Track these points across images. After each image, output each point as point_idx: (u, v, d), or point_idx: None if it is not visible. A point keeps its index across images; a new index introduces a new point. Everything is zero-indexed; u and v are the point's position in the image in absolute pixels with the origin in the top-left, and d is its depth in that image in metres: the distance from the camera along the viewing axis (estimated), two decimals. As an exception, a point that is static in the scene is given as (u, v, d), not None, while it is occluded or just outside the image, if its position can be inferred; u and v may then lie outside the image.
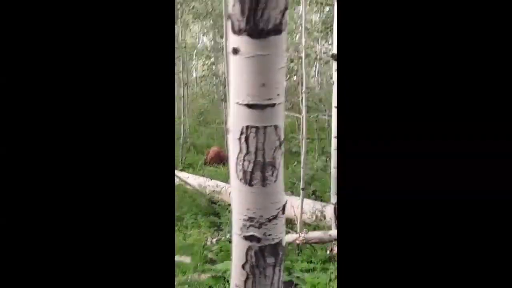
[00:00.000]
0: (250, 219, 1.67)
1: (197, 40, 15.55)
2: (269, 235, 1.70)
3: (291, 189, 8.45)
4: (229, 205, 8.61)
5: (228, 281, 5.87)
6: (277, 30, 1.53)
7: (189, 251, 6.77)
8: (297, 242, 6.63)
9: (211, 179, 9.35)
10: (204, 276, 6.11)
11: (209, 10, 11.69)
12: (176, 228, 7.72)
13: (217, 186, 9.04)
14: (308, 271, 6.16)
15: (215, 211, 8.55)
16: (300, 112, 6.90)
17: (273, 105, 1.59)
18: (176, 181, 9.58)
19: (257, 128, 1.59)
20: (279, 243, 1.72)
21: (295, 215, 7.09)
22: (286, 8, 1.54)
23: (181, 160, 11.67)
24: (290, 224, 7.65)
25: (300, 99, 6.88)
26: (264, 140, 1.62)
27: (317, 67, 13.45)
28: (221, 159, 10.83)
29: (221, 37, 10.74)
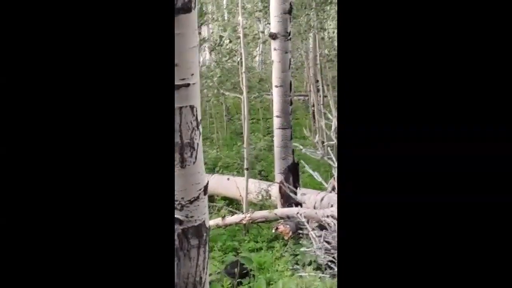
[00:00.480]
0: (171, 201, 1.64)
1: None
2: (191, 216, 1.68)
3: (237, 169, 8.47)
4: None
5: (175, 264, 5.86)
6: (186, 8, 1.50)
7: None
8: (243, 222, 6.66)
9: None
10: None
11: None
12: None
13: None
14: (254, 250, 6.21)
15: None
16: (241, 93, 6.88)
17: (187, 85, 1.56)
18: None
19: (172, 109, 1.56)
20: (202, 225, 1.71)
21: (240, 195, 7.11)
22: (194, -14, 1.51)
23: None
24: (236, 204, 7.67)
25: (240, 79, 6.84)
26: (180, 121, 1.59)
27: (261, 47, 13.45)
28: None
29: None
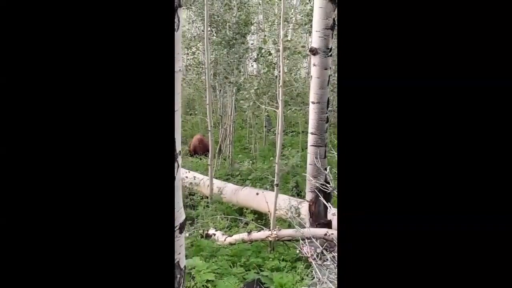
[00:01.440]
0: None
1: (183, 28, 15.38)
2: (163, 256, 1.54)
3: (270, 183, 8.33)
4: (207, 197, 8.50)
5: (194, 277, 5.76)
6: (167, 30, 1.36)
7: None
8: (269, 239, 6.50)
9: (189, 171, 9.21)
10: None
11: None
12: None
13: (194, 178, 8.90)
14: (278, 269, 6.04)
15: (192, 204, 8.43)
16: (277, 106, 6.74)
17: (165, 113, 1.42)
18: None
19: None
20: (175, 265, 1.56)
21: (269, 211, 6.96)
22: (178, 6, 1.37)
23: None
24: (265, 219, 7.53)
25: (277, 92, 6.70)
26: (157, 153, 1.45)
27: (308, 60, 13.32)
28: (204, 147, 10.68)
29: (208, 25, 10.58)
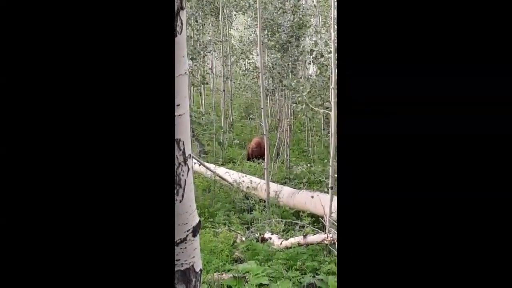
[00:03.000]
0: (156, 242, 1.51)
1: (240, 33, 15.53)
2: (178, 260, 1.53)
3: (324, 186, 8.26)
4: (264, 201, 8.51)
5: (248, 281, 5.76)
6: (170, 33, 1.36)
7: (217, 249, 6.69)
8: (325, 242, 6.43)
9: (245, 175, 9.24)
10: (226, 276, 6.01)
11: (251, 3, 11.55)
12: (208, 224, 7.67)
13: (251, 182, 8.92)
14: (333, 273, 5.95)
15: (249, 208, 8.45)
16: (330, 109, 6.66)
17: (173, 117, 1.42)
18: (212, 176, 9.54)
19: (156, 142, 1.43)
20: (190, 269, 1.55)
21: (324, 214, 6.88)
22: (180, 9, 1.37)
23: (222, 155, 11.63)
24: (320, 223, 7.45)
25: (330, 94, 6.62)
26: (164, 156, 1.45)
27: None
28: (261, 150, 10.70)
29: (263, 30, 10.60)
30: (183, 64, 1.43)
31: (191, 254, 1.55)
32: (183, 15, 1.40)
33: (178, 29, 1.39)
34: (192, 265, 1.56)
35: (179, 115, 1.44)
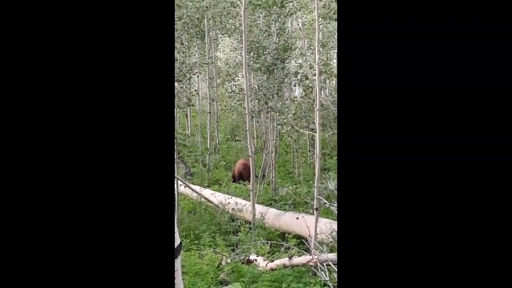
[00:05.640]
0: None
1: (226, 55, 15.64)
2: (159, 280, 1.54)
3: (309, 208, 8.27)
4: (249, 223, 8.49)
5: (233, 304, 5.74)
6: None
7: (202, 271, 6.66)
8: (310, 263, 6.43)
9: (231, 197, 9.24)
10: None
11: (237, 26, 11.65)
12: (193, 246, 7.64)
13: (236, 204, 8.91)
14: (319, 295, 5.95)
15: (234, 230, 8.44)
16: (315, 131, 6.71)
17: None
18: (198, 198, 9.53)
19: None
20: (171, 290, 1.56)
21: (309, 235, 6.89)
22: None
23: (207, 176, 11.62)
24: (306, 244, 7.45)
25: (315, 116, 6.68)
26: (146, 177, 1.47)
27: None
28: (249, 172, 10.70)
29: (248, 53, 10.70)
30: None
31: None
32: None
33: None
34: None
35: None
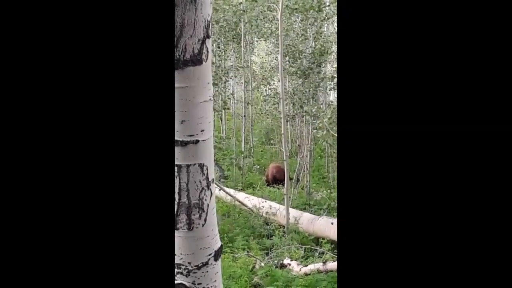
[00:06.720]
0: (178, 265, 1.52)
1: (262, 59, 15.68)
2: (199, 284, 1.54)
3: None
4: (283, 227, 8.47)
5: (267, 308, 5.73)
6: (195, 61, 1.40)
7: (236, 274, 6.67)
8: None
9: (265, 201, 9.23)
10: (245, 301, 5.99)
11: (273, 29, 11.66)
12: (227, 249, 7.66)
13: (270, 208, 8.90)
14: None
15: (268, 234, 8.42)
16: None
17: (196, 141, 1.45)
18: (232, 201, 9.55)
19: (179, 166, 1.46)
20: (211, 293, 1.56)
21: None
22: (206, 37, 1.40)
23: (241, 180, 11.63)
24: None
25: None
26: (187, 180, 1.47)
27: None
28: (281, 175, 10.68)
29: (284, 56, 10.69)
30: (207, 90, 1.46)
31: (212, 278, 1.56)
32: (209, 43, 1.44)
33: (204, 56, 1.42)
34: (214, 288, 1.57)
35: (203, 140, 1.47)
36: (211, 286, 1.57)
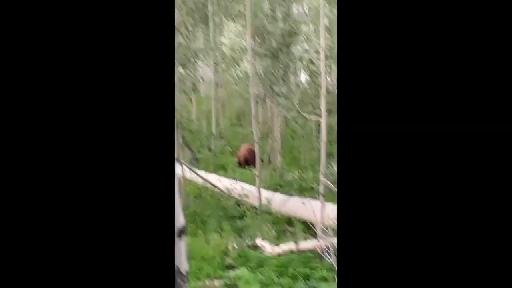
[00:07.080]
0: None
1: (231, 41, 15.59)
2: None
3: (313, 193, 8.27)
4: (255, 208, 8.51)
5: (238, 288, 5.77)
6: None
7: (208, 256, 6.69)
8: (317, 249, 6.44)
9: (236, 182, 9.26)
10: (217, 283, 6.01)
11: (242, 11, 11.59)
12: (199, 231, 7.67)
13: (242, 189, 8.92)
14: (325, 279, 5.97)
15: (240, 215, 8.46)
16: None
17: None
18: (203, 183, 9.55)
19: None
20: (176, 270, 1.56)
21: (316, 221, 6.89)
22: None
23: (213, 162, 11.64)
24: (311, 229, 7.46)
25: (320, 101, 6.65)
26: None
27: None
28: (253, 156, 10.70)
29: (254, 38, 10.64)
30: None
31: (177, 256, 1.56)
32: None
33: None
34: (177, 266, 1.57)
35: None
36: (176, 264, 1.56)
